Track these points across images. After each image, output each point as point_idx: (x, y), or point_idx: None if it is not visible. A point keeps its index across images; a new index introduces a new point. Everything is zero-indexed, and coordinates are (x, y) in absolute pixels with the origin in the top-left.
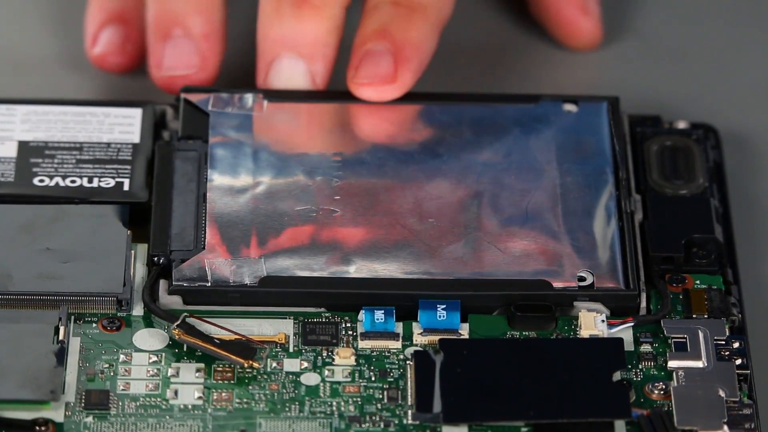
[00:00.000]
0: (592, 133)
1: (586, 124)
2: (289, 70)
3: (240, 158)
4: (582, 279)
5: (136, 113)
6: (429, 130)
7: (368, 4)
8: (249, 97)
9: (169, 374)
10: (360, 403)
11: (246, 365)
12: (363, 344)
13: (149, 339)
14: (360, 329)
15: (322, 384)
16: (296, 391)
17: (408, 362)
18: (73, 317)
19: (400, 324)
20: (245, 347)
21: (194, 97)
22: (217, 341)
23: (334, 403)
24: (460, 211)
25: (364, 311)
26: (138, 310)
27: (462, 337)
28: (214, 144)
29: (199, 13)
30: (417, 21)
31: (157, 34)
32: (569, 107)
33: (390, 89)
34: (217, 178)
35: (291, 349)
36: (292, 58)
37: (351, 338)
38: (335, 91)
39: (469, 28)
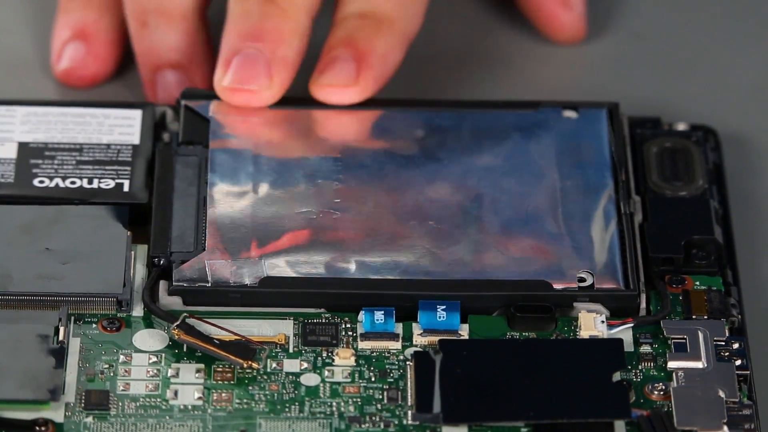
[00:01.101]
0: (592, 138)
1: (586, 130)
2: (250, 64)
3: (240, 162)
4: (582, 280)
5: (136, 114)
6: (430, 136)
7: (337, 16)
8: None
9: (169, 375)
10: (360, 403)
11: (245, 366)
12: (363, 345)
13: (149, 339)
14: (360, 330)
15: (322, 384)
16: (296, 392)
17: (408, 363)
18: (73, 318)
19: (400, 325)
20: (245, 348)
21: (194, 103)
22: (217, 342)
23: (334, 404)
24: (460, 213)
25: (364, 312)
26: (138, 311)
27: (462, 337)
28: (215, 149)
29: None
30: (384, 33)
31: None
32: (569, 113)
33: (350, 92)
34: (218, 182)
35: (291, 350)
36: (253, 51)
37: (351, 339)
38: None
39: (469, 33)
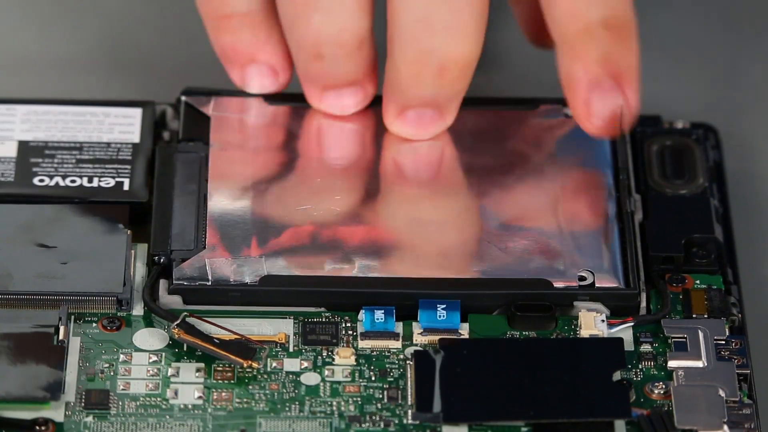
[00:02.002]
0: (592, 137)
1: None
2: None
3: (241, 160)
4: (582, 278)
5: (136, 113)
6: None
7: (578, 25)
8: (250, 100)
9: (169, 374)
10: (360, 402)
11: (245, 365)
12: (363, 344)
13: (149, 339)
14: (360, 329)
15: (322, 384)
16: (296, 391)
17: (408, 362)
18: (73, 317)
19: (400, 324)
20: (245, 347)
21: (195, 100)
22: (217, 341)
23: (334, 403)
24: (460, 211)
25: (364, 311)
26: (138, 310)
27: (462, 336)
28: (215, 146)
29: None
30: (632, 41)
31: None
32: (569, 111)
33: (626, 121)
34: (218, 179)
35: (291, 349)
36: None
37: (351, 338)
38: None
39: None
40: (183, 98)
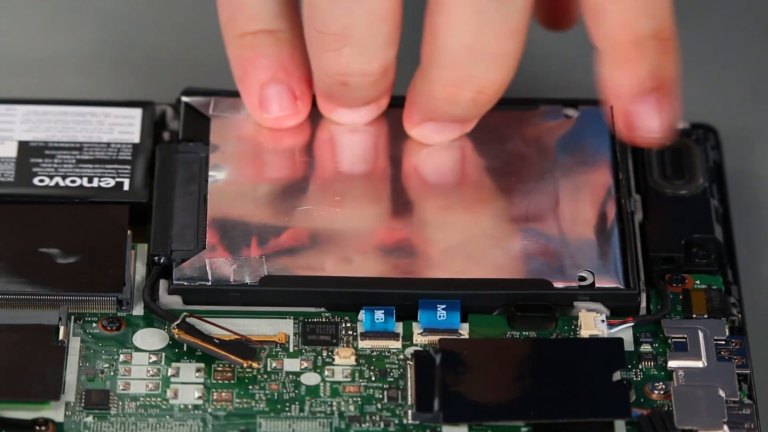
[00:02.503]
0: (592, 136)
1: (587, 128)
2: None
3: (241, 160)
4: (582, 279)
5: (136, 113)
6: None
7: (628, 35)
8: None
9: (169, 374)
10: (360, 402)
11: (245, 365)
12: (363, 344)
13: (149, 339)
14: (360, 329)
15: (322, 384)
16: (296, 391)
17: (408, 362)
18: (73, 317)
19: (400, 324)
20: (244, 347)
21: (195, 101)
22: (217, 341)
23: (334, 403)
24: (460, 211)
25: (364, 311)
26: (138, 310)
27: (462, 337)
28: (215, 146)
29: None
30: (674, 53)
31: None
32: (569, 111)
33: (666, 136)
34: (218, 180)
35: (291, 349)
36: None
37: (351, 338)
38: None
39: None
40: (183, 99)
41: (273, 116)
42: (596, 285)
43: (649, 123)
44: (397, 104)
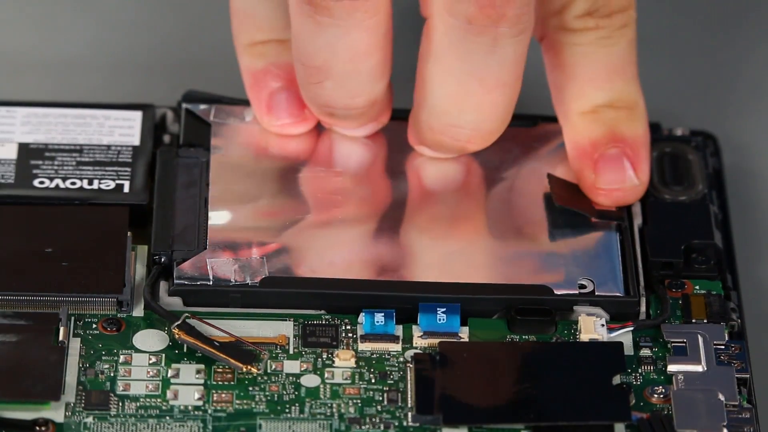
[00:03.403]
0: None
1: None
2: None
3: (241, 164)
4: (582, 287)
5: (137, 116)
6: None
7: (585, 107)
8: (250, 108)
9: (169, 375)
10: (360, 405)
11: (245, 369)
12: (363, 346)
13: (149, 340)
14: (360, 331)
15: (322, 386)
16: (296, 393)
17: (408, 365)
18: (73, 318)
19: (400, 327)
20: (244, 351)
21: (196, 107)
22: (217, 344)
23: (334, 405)
24: (461, 218)
25: (364, 314)
26: (138, 311)
27: (462, 340)
28: (216, 151)
29: None
30: (639, 119)
31: None
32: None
33: (635, 193)
34: (219, 184)
35: (291, 351)
36: None
37: (351, 340)
38: None
39: None
40: (183, 105)
41: (281, 123)
42: (596, 293)
43: (611, 182)
44: (401, 116)
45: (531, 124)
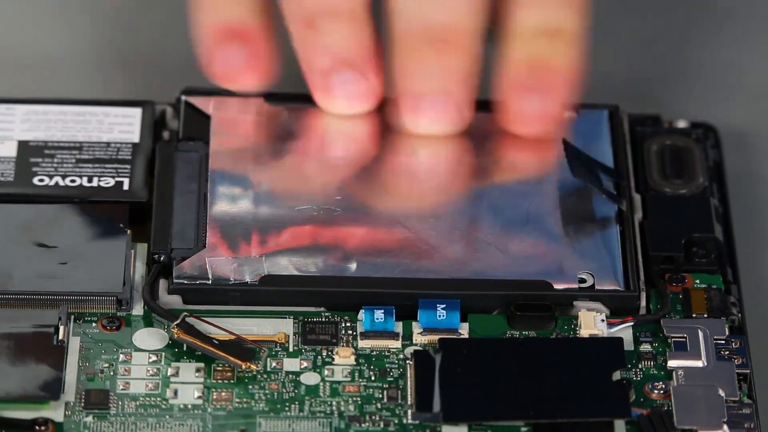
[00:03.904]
0: (592, 140)
1: (586, 132)
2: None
3: (241, 159)
4: (582, 281)
5: (136, 113)
6: (429, 141)
7: (513, 29)
8: (250, 101)
9: (168, 374)
10: (360, 402)
11: (244, 367)
12: (363, 344)
13: (149, 338)
14: (360, 329)
15: (321, 383)
16: (296, 391)
17: (408, 362)
18: (72, 317)
19: (400, 323)
20: (244, 349)
21: (195, 100)
22: (216, 342)
23: (334, 403)
24: (460, 212)
25: (363, 311)
26: (138, 310)
27: (462, 336)
28: (215, 145)
29: None
30: (568, 45)
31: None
32: (569, 115)
33: (550, 122)
34: (219, 179)
35: (291, 349)
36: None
37: (351, 338)
38: None
39: None
40: (183, 98)
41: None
42: (596, 287)
43: (525, 111)
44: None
45: None
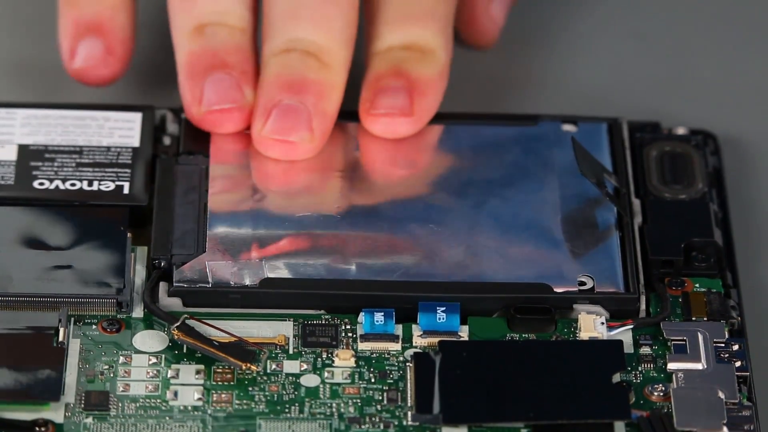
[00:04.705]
0: (592, 152)
1: (586, 144)
2: (291, 115)
3: (241, 170)
4: (582, 284)
5: (136, 117)
6: (430, 149)
7: (377, 48)
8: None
9: (168, 375)
10: (360, 404)
11: (244, 368)
12: (363, 346)
13: (149, 340)
14: (360, 331)
15: (321, 385)
16: (296, 393)
17: (408, 364)
18: (73, 319)
19: (400, 326)
20: (244, 350)
21: None
22: (216, 344)
23: (334, 405)
24: (460, 218)
25: (363, 313)
26: (138, 312)
27: (461, 339)
28: (215, 158)
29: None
30: (429, 62)
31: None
32: (568, 128)
33: (406, 122)
34: (218, 190)
35: (291, 351)
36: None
37: (351, 340)
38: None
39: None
40: (183, 115)
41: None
42: (596, 290)
43: (386, 107)
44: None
45: (531, 122)
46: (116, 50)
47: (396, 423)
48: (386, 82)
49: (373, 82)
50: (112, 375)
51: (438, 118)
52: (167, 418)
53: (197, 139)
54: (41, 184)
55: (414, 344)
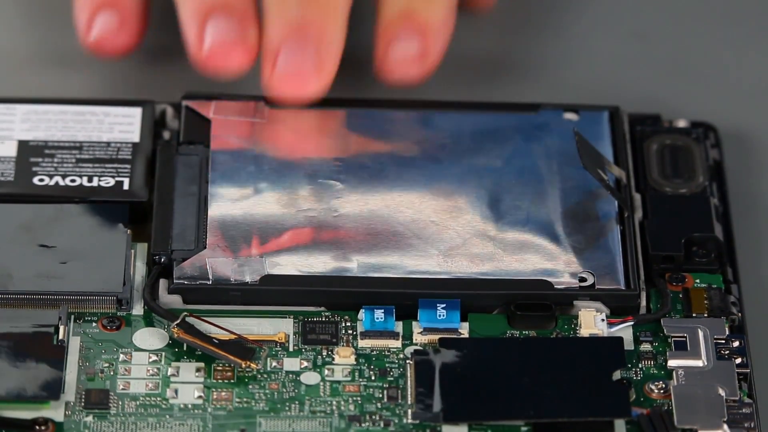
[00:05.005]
0: (593, 140)
1: (587, 132)
2: (300, 52)
3: (241, 162)
4: (583, 280)
5: (136, 112)
6: (430, 138)
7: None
8: (250, 104)
9: (169, 373)
10: (360, 402)
11: (244, 365)
12: (363, 343)
13: (149, 338)
14: (360, 328)
15: (322, 383)
16: (296, 391)
17: (408, 361)
18: (73, 316)
19: (400, 323)
20: (244, 348)
21: (196, 104)
22: (216, 341)
23: (334, 403)
24: (460, 212)
25: (364, 310)
26: (138, 310)
27: (462, 336)
28: (216, 149)
29: None
30: (438, 2)
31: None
32: (570, 116)
33: (420, 66)
34: (219, 181)
35: (291, 349)
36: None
37: (351, 337)
38: (336, 99)
39: (469, 34)
40: (184, 102)
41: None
42: (597, 286)
43: (396, 55)
44: (399, 106)
45: (532, 111)
46: (130, 22)
47: (396, 421)
48: (397, 29)
49: (384, 29)
50: (112, 373)
51: (439, 106)
52: (167, 416)
53: (198, 129)
54: (41, 180)
55: (414, 341)
